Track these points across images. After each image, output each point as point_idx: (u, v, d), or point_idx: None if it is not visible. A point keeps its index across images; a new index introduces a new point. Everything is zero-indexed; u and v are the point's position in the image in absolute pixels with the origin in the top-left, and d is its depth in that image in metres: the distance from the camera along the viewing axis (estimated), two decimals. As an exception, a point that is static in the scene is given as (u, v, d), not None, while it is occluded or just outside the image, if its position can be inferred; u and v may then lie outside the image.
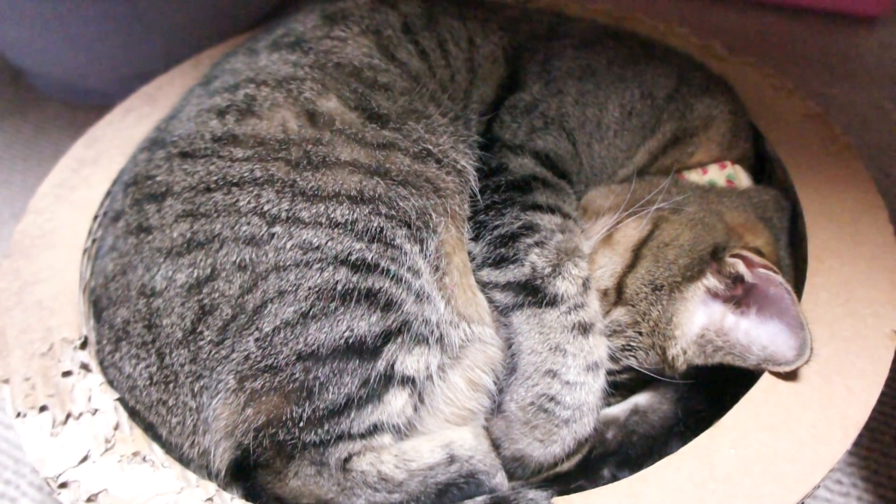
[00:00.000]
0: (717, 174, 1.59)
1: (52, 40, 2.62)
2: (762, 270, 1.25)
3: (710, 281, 1.33)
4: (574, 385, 1.26)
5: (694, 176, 1.58)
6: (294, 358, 1.15)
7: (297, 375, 1.14)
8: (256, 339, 1.16)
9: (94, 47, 2.64)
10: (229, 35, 2.06)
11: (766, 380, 1.22)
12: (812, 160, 1.62)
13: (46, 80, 2.98)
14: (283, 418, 1.14)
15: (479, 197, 1.41)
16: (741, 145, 1.66)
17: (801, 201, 1.53)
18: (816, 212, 1.50)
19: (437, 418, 1.30)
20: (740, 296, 1.31)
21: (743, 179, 1.61)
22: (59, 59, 2.75)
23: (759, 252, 1.30)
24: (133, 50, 2.66)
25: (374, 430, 1.19)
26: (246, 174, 1.26)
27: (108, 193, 1.62)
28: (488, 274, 1.36)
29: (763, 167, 1.73)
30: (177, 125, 1.41)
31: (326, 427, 1.15)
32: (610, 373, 1.34)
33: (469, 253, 1.39)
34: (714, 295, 1.33)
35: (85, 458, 1.17)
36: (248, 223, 1.22)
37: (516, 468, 1.29)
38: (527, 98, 1.57)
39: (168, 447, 1.24)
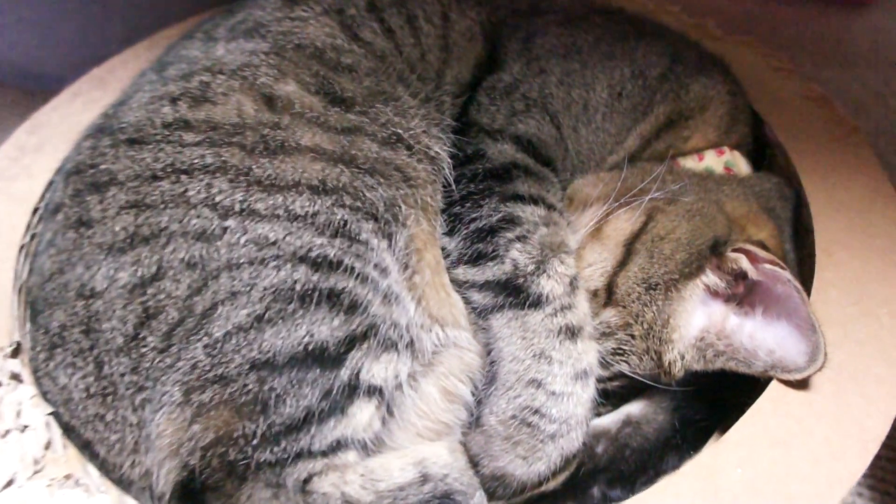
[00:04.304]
0: (714, 161, 1.52)
1: (6, 23, 2.54)
2: (768, 266, 1.18)
3: (710, 278, 1.26)
4: (561, 396, 1.19)
5: (689, 163, 1.52)
6: (247, 367, 1.07)
7: (250, 386, 1.07)
8: (205, 346, 1.08)
9: (50, 30, 2.56)
10: (191, 15, 1.97)
11: (774, 389, 1.15)
12: (816, 145, 1.56)
13: (1, 65, 2.89)
14: (235, 435, 1.07)
15: (453, 187, 1.35)
16: (740, 129, 1.60)
17: (807, 190, 1.47)
18: (823, 201, 1.44)
19: (408, 432, 1.24)
20: (742, 294, 1.25)
21: (742, 166, 1.55)
22: (15, 43, 2.67)
23: (763, 246, 1.23)
24: (91, 33, 2.58)
25: (338, 446, 1.12)
26: (196, 161, 1.20)
27: (51, 184, 1.52)
28: (464, 272, 1.30)
29: (762, 153, 1.68)
30: (126, 112, 1.33)
31: (283, 444, 1.08)
32: (600, 380, 1.27)
33: (443, 249, 1.33)
34: (714, 294, 1.27)
35: (10, 483, 1.09)
36: (199, 216, 1.15)
37: (496, 487, 1.22)
38: (506, 78, 1.50)
39: (106, 467, 1.16)
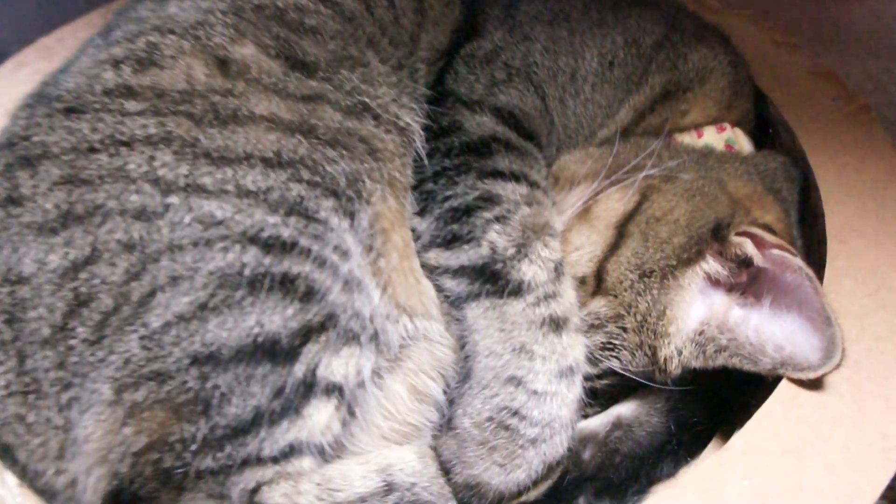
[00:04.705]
0: (714, 138, 1.47)
1: (-44, -4, 2.47)
2: (776, 252, 1.13)
3: (711, 265, 1.21)
4: (543, 395, 1.14)
5: (687, 139, 1.47)
6: (188, 361, 1.00)
7: (190, 384, 1.00)
8: (141, 338, 1.01)
9: (6, 4, 2.46)
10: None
11: (784, 389, 1.10)
12: (824, 123, 1.52)
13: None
14: (171, 439, 1.00)
15: (426, 161, 1.30)
16: (742, 105, 1.56)
17: (815, 171, 1.42)
18: (833, 183, 1.39)
19: (372, 436, 1.19)
20: (745, 283, 1.21)
21: (744, 145, 1.50)
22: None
23: (770, 229, 1.19)
24: (50, 8, 2.44)
25: (291, 451, 1.06)
26: (138, 131, 1.12)
27: (-14, 160, 1.45)
28: (437, 256, 1.24)
29: (764, 133, 1.63)
30: (66, 78, 1.26)
31: (228, 450, 1.01)
32: (587, 378, 1.22)
33: (413, 230, 1.28)
34: (715, 282, 1.22)
35: (-89, 493, 1.02)
36: (139, 192, 1.08)
37: (471, 498, 1.16)
38: (487, 46, 1.45)
39: (27, 475, 1.09)
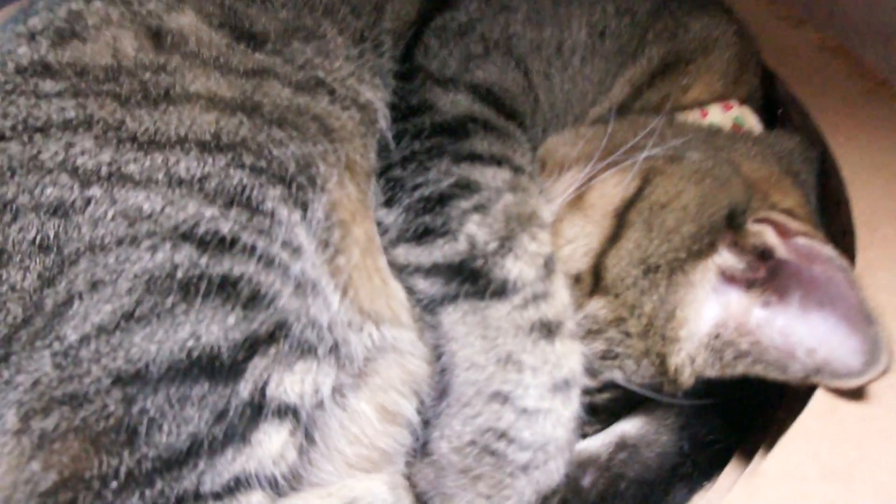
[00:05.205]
0: (720, 117, 1.36)
1: None
2: (802, 240, 1.02)
3: (725, 258, 1.11)
4: (534, 414, 1.04)
5: (691, 118, 1.37)
6: (109, 381, 0.91)
7: (112, 408, 0.90)
8: (55, 354, 0.92)
9: None
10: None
11: (820, 401, 0.98)
12: (840, 101, 1.43)
13: None
14: (88, 476, 0.89)
15: (392, 145, 1.22)
16: (749, 80, 1.46)
17: (835, 152, 1.32)
18: (855, 165, 1.29)
19: (335, 464, 1.10)
20: (763, 279, 1.10)
21: (754, 125, 1.40)
22: None
23: (792, 215, 1.09)
24: None
25: (238, 486, 0.96)
26: (55, 115, 1.05)
27: None
28: (407, 252, 1.15)
29: (771, 113, 1.52)
30: None
31: (160, 485, 0.91)
32: (586, 392, 1.13)
33: (379, 223, 1.19)
34: (730, 278, 1.12)
35: None
36: (55, 183, 1.01)
37: None
38: (461, 17, 1.36)
39: None
